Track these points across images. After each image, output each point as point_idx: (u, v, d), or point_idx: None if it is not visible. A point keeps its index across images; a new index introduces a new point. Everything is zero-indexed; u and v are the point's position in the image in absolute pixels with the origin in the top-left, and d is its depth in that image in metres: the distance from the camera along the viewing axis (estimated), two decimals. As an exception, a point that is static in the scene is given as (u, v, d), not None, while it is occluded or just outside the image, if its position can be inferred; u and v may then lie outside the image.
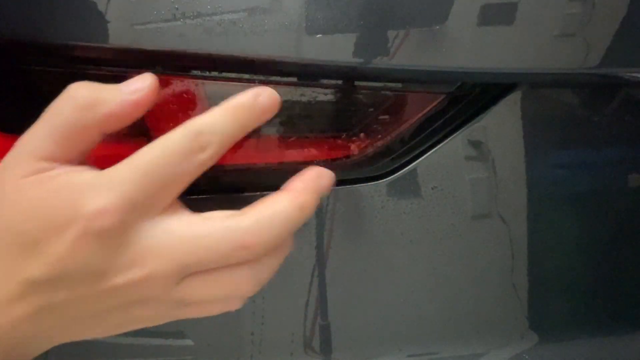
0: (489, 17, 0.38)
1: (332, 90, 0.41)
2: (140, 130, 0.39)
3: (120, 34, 0.36)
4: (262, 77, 0.39)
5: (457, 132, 0.43)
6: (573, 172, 0.46)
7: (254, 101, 0.35)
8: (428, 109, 0.43)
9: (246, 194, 0.42)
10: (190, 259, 0.32)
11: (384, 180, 0.44)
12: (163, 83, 0.37)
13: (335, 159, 0.43)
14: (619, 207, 0.48)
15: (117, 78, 0.35)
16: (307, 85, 0.40)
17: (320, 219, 0.44)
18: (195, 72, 0.39)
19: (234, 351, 0.46)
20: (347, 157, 0.43)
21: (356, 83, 0.41)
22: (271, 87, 0.36)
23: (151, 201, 0.31)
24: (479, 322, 0.48)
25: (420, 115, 0.43)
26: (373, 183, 0.44)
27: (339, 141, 0.42)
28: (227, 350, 0.46)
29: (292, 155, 0.42)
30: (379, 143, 0.43)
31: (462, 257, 0.46)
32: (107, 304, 0.32)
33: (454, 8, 0.38)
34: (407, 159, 0.44)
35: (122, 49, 0.36)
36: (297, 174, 0.37)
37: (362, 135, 0.42)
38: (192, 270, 0.33)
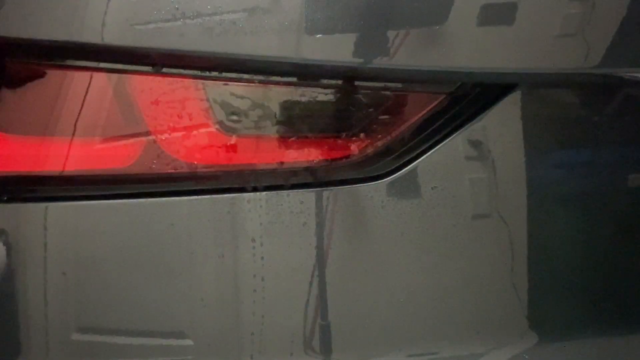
0: (489, 17, 0.38)
1: (332, 90, 0.41)
2: (140, 130, 0.39)
3: (120, 33, 0.36)
4: (262, 77, 0.39)
5: (457, 132, 0.43)
6: (573, 172, 0.46)
7: None
8: (428, 109, 0.43)
9: (246, 194, 0.42)
10: None
11: (384, 180, 0.44)
12: (163, 83, 0.37)
13: (335, 159, 0.43)
14: (619, 207, 0.48)
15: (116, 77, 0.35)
16: (307, 85, 0.40)
17: (320, 219, 0.44)
18: (195, 72, 0.39)
19: (234, 351, 0.46)
20: (347, 157, 0.43)
21: (356, 83, 0.41)
22: (271, 87, 0.36)
23: None
24: (479, 322, 0.48)
25: (420, 115, 0.43)
26: (373, 183, 0.44)
27: (339, 141, 0.42)
28: (227, 350, 0.46)
29: (292, 155, 0.42)
30: (379, 143, 0.43)
31: (462, 257, 0.46)
32: None
33: (454, 8, 0.38)
34: (407, 159, 0.44)
35: (122, 48, 0.36)
36: None
37: (362, 135, 0.42)
38: None
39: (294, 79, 0.40)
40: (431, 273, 0.46)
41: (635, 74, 0.43)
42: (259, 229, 0.43)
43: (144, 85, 0.40)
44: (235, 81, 0.39)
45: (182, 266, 0.44)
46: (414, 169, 0.44)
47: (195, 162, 0.41)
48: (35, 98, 0.40)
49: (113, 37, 0.36)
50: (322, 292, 0.45)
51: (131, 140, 0.40)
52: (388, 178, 0.44)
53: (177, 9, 0.36)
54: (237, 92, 0.36)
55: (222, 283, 0.44)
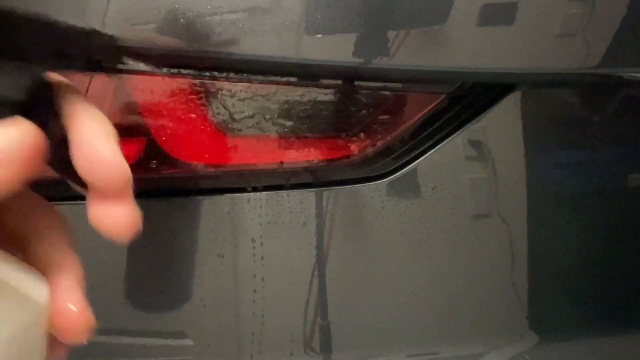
0: (489, 17, 0.38)
1: (332, 90, 0.41)
2: (139, 130, 0.39)
3: (120, 33, 0.36)
4: (262, 77, 0.39)
5: (457, 132, 0.43)
6: (573, 172, 0.46)
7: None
8: (428, 109, 0.43)
9: (246, 194, 0.42)
10: None
11: (384, 180, 0.44)
12: (163, 83, 0.37)
13: (335, 159, 0.43)
14: (619, 207, 0.48)
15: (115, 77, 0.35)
16: (307, 85, 0.40)
17: (320, 219, 0.44)
18: (195, 72, 0.39)
19: (234, 351, 0.46)
20: (347, 157, 0.43)
21: (356, 83, 0.41)
22: (271, 87, 0.36)
23: None
24: (479, 322, 0.48)
25: (420, 115, 0.43)
26: (373, 183, 0.44)
27: (339, 141, 0.42)
28: (227, 350, 0.46)
29: (292, 155, 0.42)
30: (379, 143, 0.43)
31: (462, 257, 0.46)
32: None
33: (454, 8, 0.38)
34: (407, 159, 0.44)
35: (122, 47, 0.36)
36: None
37: (362, 135, 0.42)
38: None
39: (294, 79, 0.40)
40: (431, 273, 0.46)
41: (635, 74, 0.43)
42: (259, 229, 0.43)
43: (144, 85, 0.40)
44: (235, 81, 0.39)
45: (182, 266, 0.44)
46: (414, 169, 0.44)
47: (195, 162, 0.41)
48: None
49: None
50: (322, 292, 0.45)
51: (131, 140, 0.40)
52: (388, 178, 0.44)
53: (177, 8, 0.36)
54: (236, 92, 0.35)
55: (222, 283, 0.44)
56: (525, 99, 0.43)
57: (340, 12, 0.37)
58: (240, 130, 0.41)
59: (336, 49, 0.38)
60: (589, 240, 0.48)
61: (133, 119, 0.40)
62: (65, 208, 0.42)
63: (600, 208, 0.48)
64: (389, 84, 0.41)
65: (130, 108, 0.39)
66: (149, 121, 0.39)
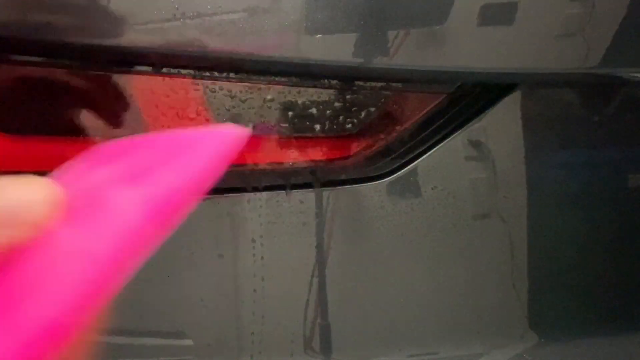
0: (489, 17, 0.38)
1: (332, 90, 0.41)
2: (139, 130, 0.39)
3: (120, 33, 0.36)
4: (262, 77, 0.39)
5: (457, 132, 0.43)
6: (573, 172, 0.46)
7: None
8: (428, 109, 0.43)
9: (246, 194, 0.42)
10: None
11: (384, 180, 0.44)
12: (163, 83, 0.37)
13: (335, 159, 0.43)
14: (619, 207, 0.48)
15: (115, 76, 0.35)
16: (307, 86, 0.40)
17: (320, 219, 0.44)
18: (194, 72, 0.39)
19: (234, 351, 0.46)
20: (347, 157, 0.43)
21: (356, 83, 0.41)
22: (271, 87, 0.36)
23: None
24: (479, 322, 0.48)
25: (420, 115, 0.43)
26: (373, 183, 0.44)
27: (339, 141, 0.42)
28: (227, 350, 0.46)
29: (292, 155, 0.42)
30: (379, 143, 0.43)
31: (462, 257, 0.46)
32: None
33: (454, 8, 0.38)
34: (407, 159, 0.44)
35: (122, 48, 0.36)
36: None
37: (362, 135, 0.42)
38: None
39: (294, 79, 0.40)
40: (431, 273, 0.46)
41: (635, 74, 0.43)
42: (259, 229, 0.43)
43: (144, 85, 0.40)
44: (235, 81, 0.39)
45: (182, 266, 0.44)
46: (414, 169, 0.44)
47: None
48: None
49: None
50: (322, 292, 0.45)
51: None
52: (388, 178, 0.44)
53: (177, 8, 0.36)
54: (236, 92, 0.36)
55: (222, 283, 0.44)
56: (525, 99, 0.43)
57: (340, 12, 0.37)
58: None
59: (336, 48, 0.38)
60: (589, 240, 0.48)
61: (133, 118, 0.40)
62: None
63: (600, 208, 0.48)
64: (389, 84, 0.41)
65: (130, 108, 0.40)
66: (149, 121, 0.39)
